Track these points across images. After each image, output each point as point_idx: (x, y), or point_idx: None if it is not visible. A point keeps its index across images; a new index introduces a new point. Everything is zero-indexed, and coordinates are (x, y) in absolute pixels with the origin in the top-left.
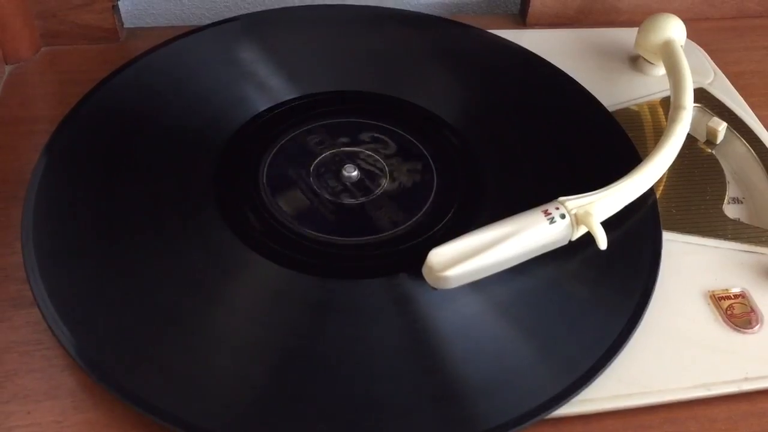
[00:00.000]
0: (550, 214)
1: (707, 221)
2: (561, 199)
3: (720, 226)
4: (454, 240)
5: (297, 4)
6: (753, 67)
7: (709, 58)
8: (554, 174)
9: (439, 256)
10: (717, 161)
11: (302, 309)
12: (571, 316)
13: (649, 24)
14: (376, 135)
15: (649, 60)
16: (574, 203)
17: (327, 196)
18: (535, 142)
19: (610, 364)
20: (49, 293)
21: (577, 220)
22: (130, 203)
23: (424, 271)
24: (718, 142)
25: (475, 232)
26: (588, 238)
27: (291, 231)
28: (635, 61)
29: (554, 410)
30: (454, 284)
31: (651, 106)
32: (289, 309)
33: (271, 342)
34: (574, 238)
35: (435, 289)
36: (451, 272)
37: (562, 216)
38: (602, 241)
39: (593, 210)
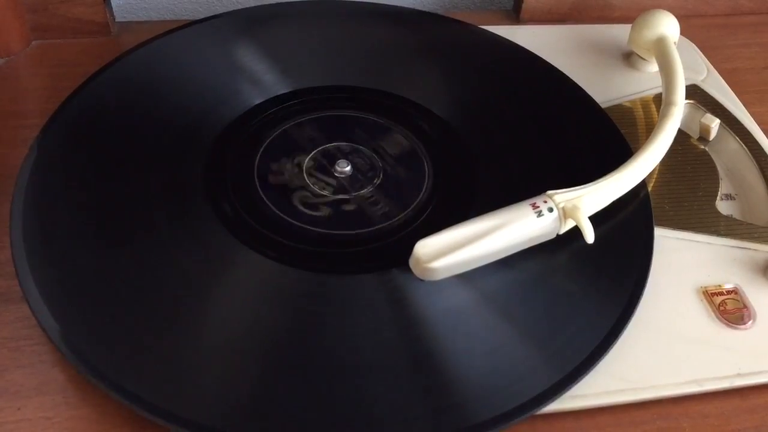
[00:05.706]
0: (538, 207)
1: (700, 217)
2: (549, 192)
3: (713, 222)
4: (441, 231)
5: None
6: (746, 64)
7: (702, 55)
8: (547, 169)
9: (426, 247)
10: (710, 157)
11: (294, 303)
12: (562, 311)
13: (643, 20)
14: (368, 130)
15: (642, 56)
16: (562, 197)
17: (319, 191)
18: (528, 137)
19: (601, 360)
20: (38, 289)
21: (564, 214)
22: (121, 198)
23: (411, 262)
24: (711, 138)
25: (462, 224)
26: (580, 233)
27: (283, 225)
28: (628, 58)
29: (545, 406)
30: (440, 276)
31: (644, 103)
32: (281, 303)
33: (262, 336)
34: (561, 232)
35: (422, 280)
36: (437, 263)
37: (550, 209)
38: (589, 236)
39: (581, 204)
